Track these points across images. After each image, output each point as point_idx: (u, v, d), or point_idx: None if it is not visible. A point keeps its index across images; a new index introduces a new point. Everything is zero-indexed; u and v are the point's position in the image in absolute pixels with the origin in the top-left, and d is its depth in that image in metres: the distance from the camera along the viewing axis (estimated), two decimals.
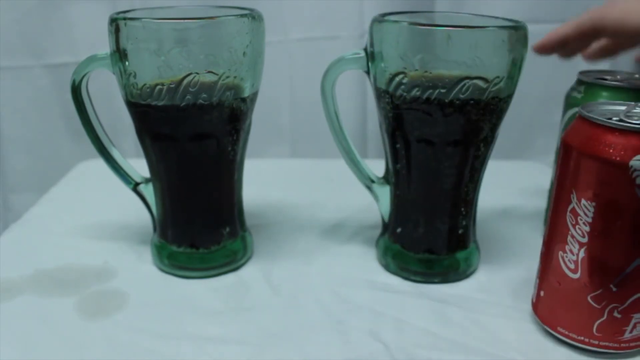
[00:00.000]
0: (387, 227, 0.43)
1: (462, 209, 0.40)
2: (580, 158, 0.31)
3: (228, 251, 0.42)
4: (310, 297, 0.39)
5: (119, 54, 0.35)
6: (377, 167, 0.44)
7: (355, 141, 0.45)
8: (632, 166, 0.29)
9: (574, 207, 0.31)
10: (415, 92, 0.35)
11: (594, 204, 0.30)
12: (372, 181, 0.43)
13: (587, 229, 0.31)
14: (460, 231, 0.41)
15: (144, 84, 0.35)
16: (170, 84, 0.35)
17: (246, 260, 0.44)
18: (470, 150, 0.37)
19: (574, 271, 0.32)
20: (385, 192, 0.43)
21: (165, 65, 0.34)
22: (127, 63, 0.35)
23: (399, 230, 0.42)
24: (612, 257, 0.31)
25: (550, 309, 0.35)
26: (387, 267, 0.43)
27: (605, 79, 0.42)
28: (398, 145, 0.38)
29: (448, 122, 0.36)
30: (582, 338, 0.33)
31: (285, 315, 0.37)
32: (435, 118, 0.35)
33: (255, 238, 0.45)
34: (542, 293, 0.35)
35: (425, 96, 0.35)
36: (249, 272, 0.42)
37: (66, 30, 0.76)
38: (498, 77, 0.35)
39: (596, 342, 0.33)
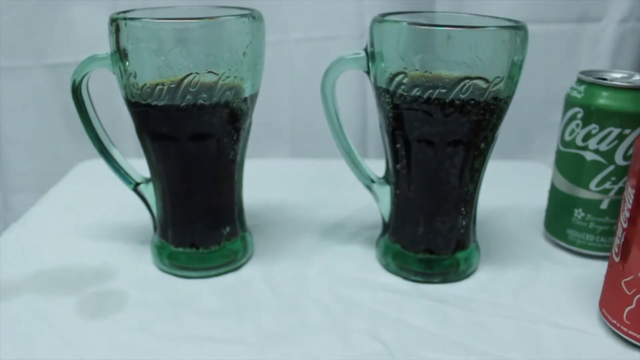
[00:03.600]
0: (387, 227, 0.43)
1: (462, 209, 0.40)
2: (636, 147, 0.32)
3: (228, 251, 0.42)
4: (310, 297, 0.39)
5: (119, 54, 0.35)
6: (377, 167, 0.44)
7: (356, 141, 0.45)
8: None
9: (624, 194, 0.33)
10: (416, 92, 0.35)
11: (634, 191, 0.31)
12: (372, 181, 0.43)
13: (627, 215, 0.32)
14: (460, 231, 0.41)
15: (144, 84, 0.35)
16: (171, 84, 0.35)
17: (246, 260, 0.44)
18: (470, 150, 0.37)
19: (617, 254, 0.34)
20: (385, 192, 0.43)
21: (165, 65, 0.34)
22: (127, 63, 0.35)
23: (399, 230, 0.42)
24: None
25: (603, 288, 0.36)
26: (387, 267, 0.43)
27: (605, 79, 0.42)
28: (398, 145, 0.39)
29: (448, 122, 0.36)
30: (615, 322, 0.34)
31: (285, 315, 0.37)
32: (435, 118, 0.35)
33: (255, 238, 0.45)
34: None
35: (425, 96, 0.35)
36: (249, 272, 0.42)
37: (66, 30, 0.76)
38: (498, 77, 0.35)
39: (625, 330, 0.33)
